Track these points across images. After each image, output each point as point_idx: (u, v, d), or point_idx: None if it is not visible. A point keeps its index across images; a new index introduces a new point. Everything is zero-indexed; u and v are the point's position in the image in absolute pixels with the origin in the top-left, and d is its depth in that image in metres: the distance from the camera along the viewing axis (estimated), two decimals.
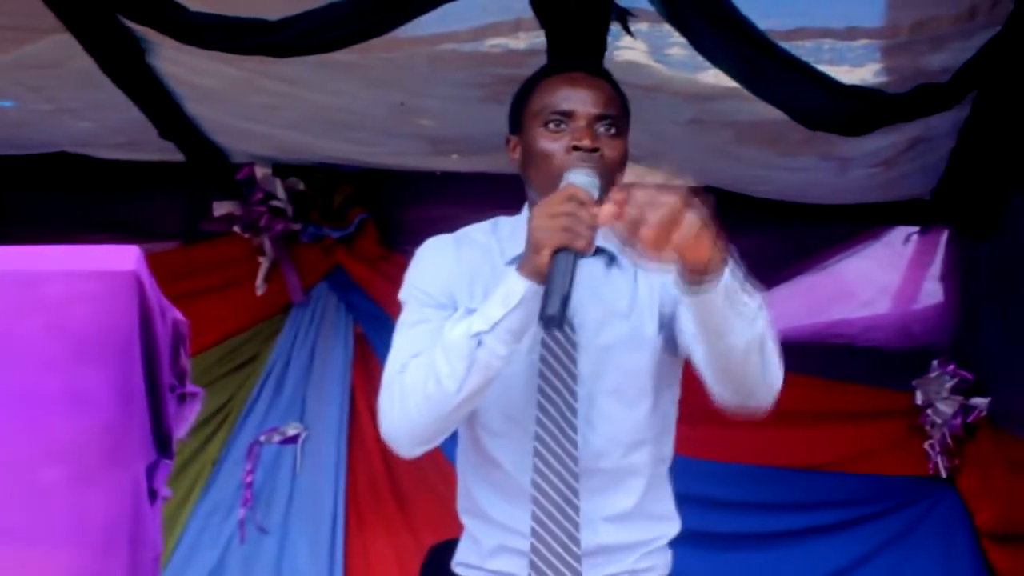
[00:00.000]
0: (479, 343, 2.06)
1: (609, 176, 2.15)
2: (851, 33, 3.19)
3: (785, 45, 3.08)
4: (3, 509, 1.59)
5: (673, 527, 2.43)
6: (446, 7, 3.00)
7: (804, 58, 3.13)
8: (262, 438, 4.29)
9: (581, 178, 2.06)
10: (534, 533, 2.22)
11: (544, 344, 2.23)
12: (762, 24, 3.00)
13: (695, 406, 4.38)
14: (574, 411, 2.22)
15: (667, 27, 3.11)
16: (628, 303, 2.30)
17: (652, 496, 2.37)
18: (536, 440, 2.22)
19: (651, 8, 3.05)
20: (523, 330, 2.07)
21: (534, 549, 2.22)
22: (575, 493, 2.21)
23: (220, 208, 4.32)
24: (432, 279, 2.32)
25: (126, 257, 1.57)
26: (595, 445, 2.25)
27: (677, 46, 3.26)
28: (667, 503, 2.43)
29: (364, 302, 4.42)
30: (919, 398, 4.29)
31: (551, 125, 2.18)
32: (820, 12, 3.23)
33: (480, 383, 2.09)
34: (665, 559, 2.43)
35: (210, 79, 3.66)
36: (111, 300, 1.57)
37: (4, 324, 1.56)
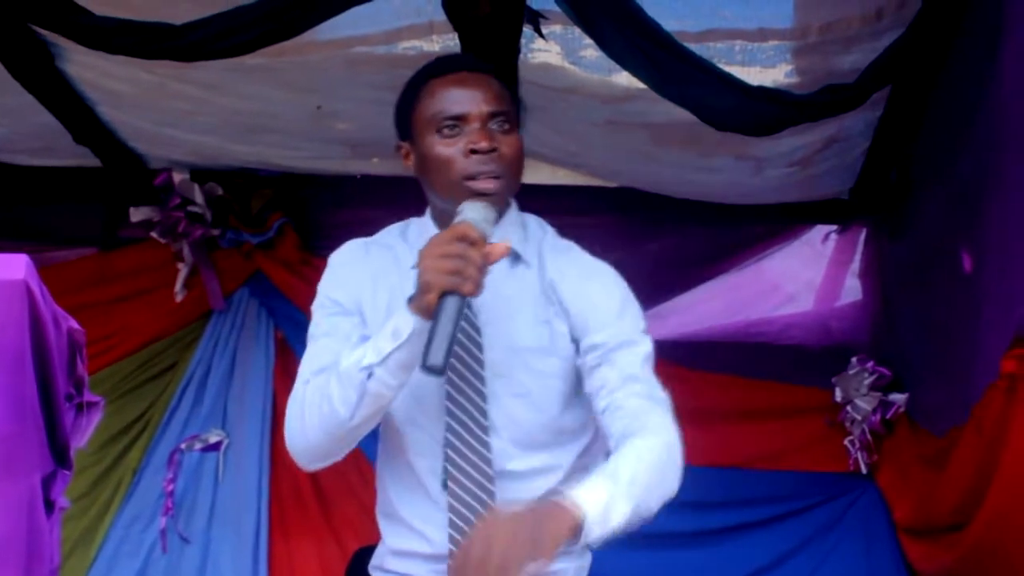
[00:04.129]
0: (370, 375, 2.07)
1: (511, 172, 2.17)
2: (762, 34, 3.22)
3: (696, 47, 3.11)
4: None
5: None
6: (357, 10, 2.99)
7: (716, 59, 3.16)
8: (183, 446, 4.25)
9: (475, 213, 2.06)
10: (451, 540, 2.23)
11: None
12: (673, 26, 3.03)
13: None
14: (484, 413, 2.22)
15: (580, 29, 3.12)
16: (537, 306, 2.29)
17: None
18: (446, 445, 2.23)
19: (560, 10, 3.06)
20: (412, 363, 2.08)
21: (452, 553, 2.21)
22: (491, 496, 2.21)
23: (137, 214, 4.28)
24: (339, 286, 2.32)
25: (14, 266, 1.55)
26: (498, 447, 2.24)
27: (590, 48, 3.27)
28: None
29: (285, 307, 4.39)
30: (838, 395, 4.34)
31: (445, 130, 2.17)
32: (731, 13, 3.26)
33: (372, 411, 2.12)
34: (580, 562, 2.41)
35: (123, 84, 3.63)
36: (2, 310, 1.55)
37: None
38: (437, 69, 2.24)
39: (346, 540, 4.22)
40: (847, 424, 4.31)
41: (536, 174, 4.37)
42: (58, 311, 1.67)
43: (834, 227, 4.57)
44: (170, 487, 4.21)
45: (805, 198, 4.33)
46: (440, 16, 3.17)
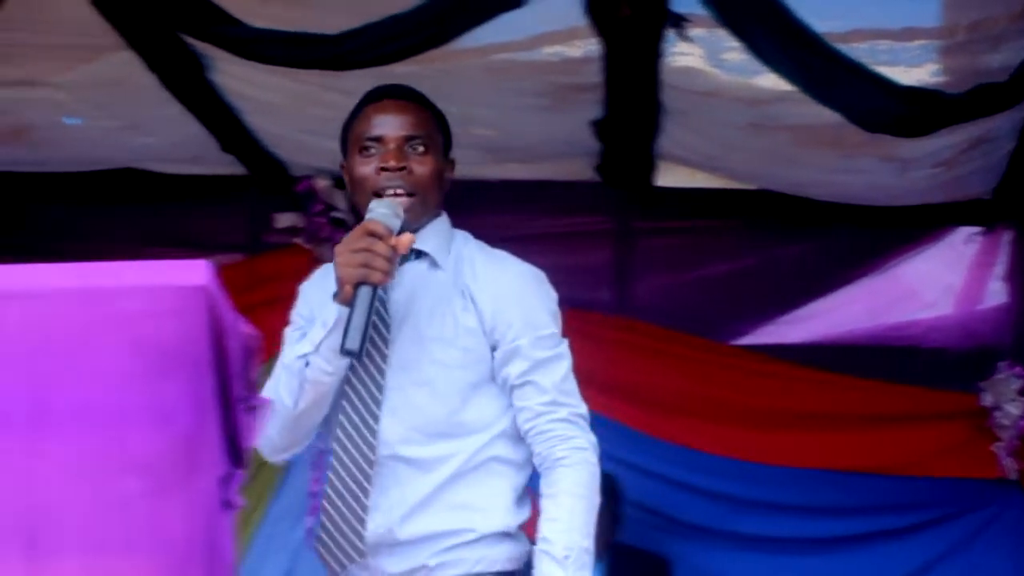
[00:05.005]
0: (306, 363, 2.30)
1: (422, 189, 2.34)
2: (907, 34, 3.19)
3: (841, 47, 3.08)
4: (86, 520, 1.63)
5: (488, 522, 2.37)
6: (501, 17, 3.02)
7: (860, 60, 3.13)
8: (327, 447, 4.31)
9: (380, 210, 2.25)
10: (322, 521, 2.34)
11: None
12: (817, 27, 3.00)
13: (759, 411, 4.43)
14: (377, 402, 2.34)
15: (723, 32, 3.12)
16: (445, 302, 2.39)
17: (465, 488, 2.36)
18: (337, 427, 2.37)
19: (707, 13, 3.06)
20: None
21: (319, 537, 2.34)
22: (367, 477, 2.32)
23: (282, 220, 4.37)
24: (302, 303, 2.55)
25: (198, 272, 1.60)
26: (397, 433, 2.33)
27: (733, 50, 3.27)
28: (490, 498, 2.38)
29: None
30: (987, 399, 4.25)
31: (364, 151, 2.35)
32: (875, 13, 3.23)
33: (313, 397, 2.33)
34: (478, 554, 2.38)
35: (270, 93, 3.71)
36: (185, 314, 1.61)
37: (84, 339, 1.60)
38: (371, 96, 2.45)
39: None
40: (995, 429, 4.23)
41: (673, 177, 4.38)
42: (235, 315, 1.72)
43: (977, 229, 4.48)
44: (315, 488, 4.29)
45: (948, 199, 4.27)
46: (582, 21, 3.19)
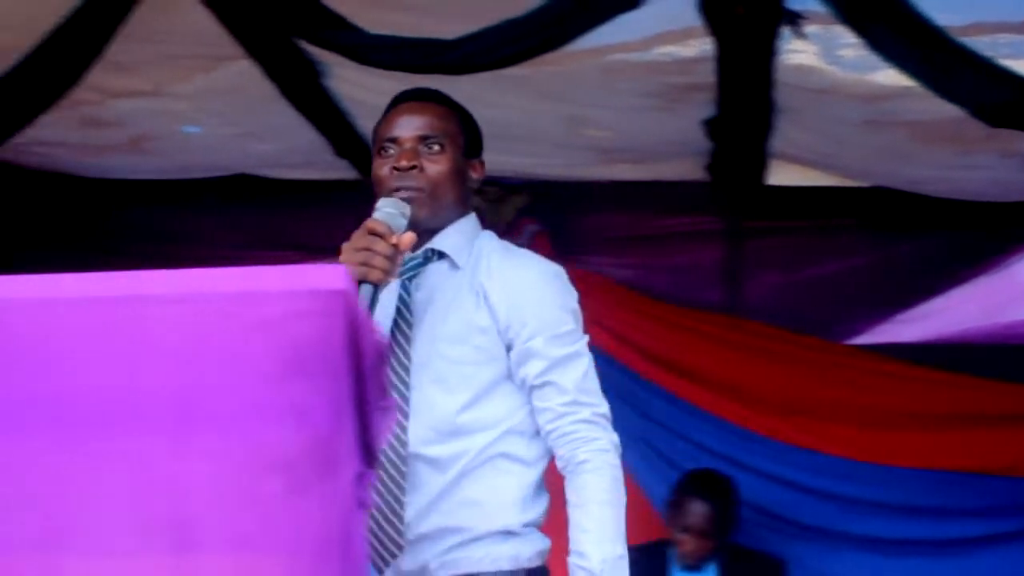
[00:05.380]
0: None
1: (433, 187, 2.37)
2: None
3: (961, 40, 3.03)
4: (229, 518, 1.67)
5: (490, 520, 2.36)
6: (617, 18, 3.03)
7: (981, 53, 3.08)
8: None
9: (385, 209, 2.28)
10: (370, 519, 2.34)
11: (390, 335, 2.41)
12: (937, 20, 2.96)
13: (873, 411, 4.38)
14: (406, 399, 2.37)
15: (839, 28, 3.09)
16: (459, 301, 2.40)
17: (470, 485, 2.36)
18: None
19: (822, 10, 3.03)
20: None
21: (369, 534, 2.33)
22: (403, 475, 2.35)
23: None
24: None
25: (337, 276, 1.63)
26: (418, 433, 2.36)
27: (849, 47, 3.23)
28: (493, 495, 2.37)
29: None
30: None
31: (382, 152, 2.42)
32: (996, 6, 3.17)
33: None
34: (481, 552, 2.37)
35: (384, 98, 3.72)
36: (323, 318, 1.64)
37: (227, 342, 1.64)
38: (394, 100, 2.53)
39: None
40: None
41: (786, 176, 4.35)
42: (368, 319, 1.75)
43: None
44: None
45: None
46: (697, 21, 3.18)
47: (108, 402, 1.65)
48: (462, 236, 2.43)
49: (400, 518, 2.34)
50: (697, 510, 4.11)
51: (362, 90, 3.73)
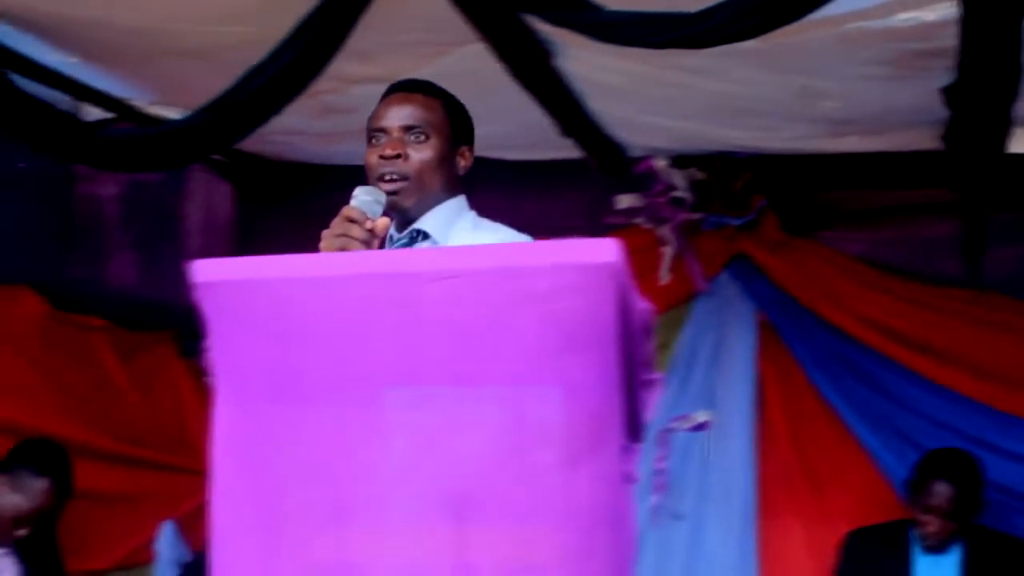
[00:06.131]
0: None
1: (417, 174, 2.49)
2: None
3: None
4: (505, 491, 1.70)
5: None
6: None
7: None
8: (672, 425, 4.35)
9: (361, 197, 2.40)
10: None
11: None
12: None
13: None
14: None
15: None
16: None
17: None
18: None
19: None
20: None
21: None
22: None
23: (622, 201, 4.42)
24: None
25: (607, 249, 1.64)
26: None
27: None
28: None
29: (767, 289, 4.42)
30: None
31: (372, 140, 2.55)
32: None
33: None
34: None
35: (615, 76, 3.75)
36: (594, 291, 1.65)
37: (499, 316, 1.67)
38: (387, 91, 2.64)
39: (836, 524, 4.20)
40: None
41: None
42: (635, 291, 1.75)
43: None
44: (661, 465, 4.33)
45: None
46: None
47: (388, 376, 1.70)
48: (444, 217, 2.57)
49: None
50: (940, 491, 4.00)
51: (593, 69, 3.74)
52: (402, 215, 2.47)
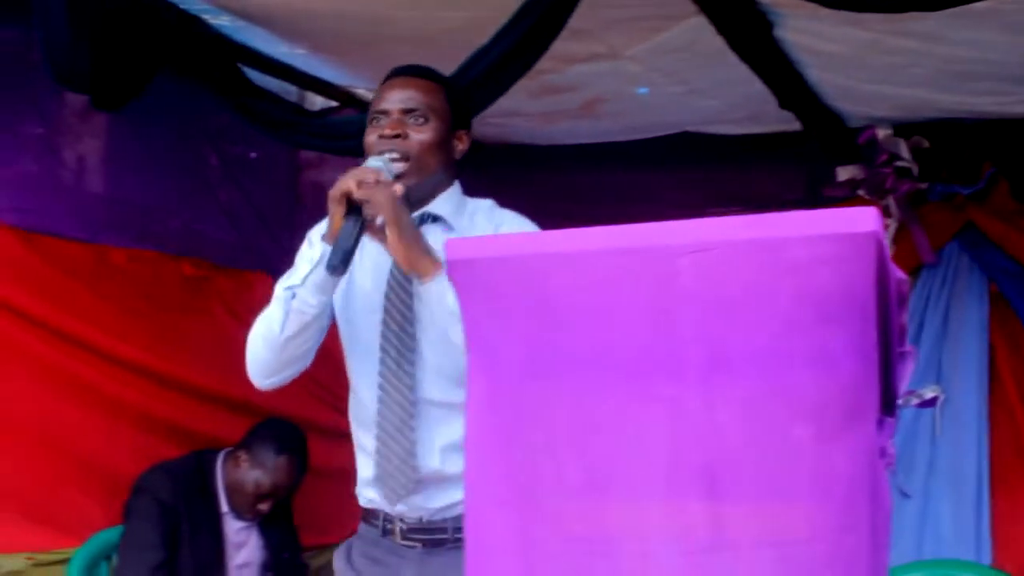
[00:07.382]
0: (293, 295, 2.58)
1: (416, 154, 2.62)
2: None
3: None
4: (759, 466, 1.68)
5: None
6: None
7: None
8: (900, 401, 4.23)
9: (372, 161, 2.55)
10: (377, 454, 2.64)
11: (386, 294, 2.65)
12: None
13: None
14: (411, 349, 2.63)
15: None
16: None
17: None
18: (379, 375, 2.64)
19: None
20: (326, 285, 2.55)
21: (377, 473, 2.64)
22: (411, 416, 2.61)
23: (844, 173, 4.33)
24: (305, 248, 2.79)
25: (866, 218, 1.60)
26: (426, 380, 2.62)
27: None
28: None
29: (999, 259, 4.27)
30: None
31: (373, 122, 2.67)
32: None
33: (297, 327, 2.58)
34: None
35: (836, 44, 3.67)
36: (852, 261, 1.62)
37: (753, 288, 1.65)
38: (387, 76, 2.75)
39: None
40: None
41: None
42: (890, 261, 1.71)
43: None
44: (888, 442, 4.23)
45: None
46: None
47: (642, 350, 1.70)
48: (453, 201, 2.71)
49: (414, 457, 2.60)
50: None
51: (815, 38, 3.66)
52: (403, 196, 2.55)
